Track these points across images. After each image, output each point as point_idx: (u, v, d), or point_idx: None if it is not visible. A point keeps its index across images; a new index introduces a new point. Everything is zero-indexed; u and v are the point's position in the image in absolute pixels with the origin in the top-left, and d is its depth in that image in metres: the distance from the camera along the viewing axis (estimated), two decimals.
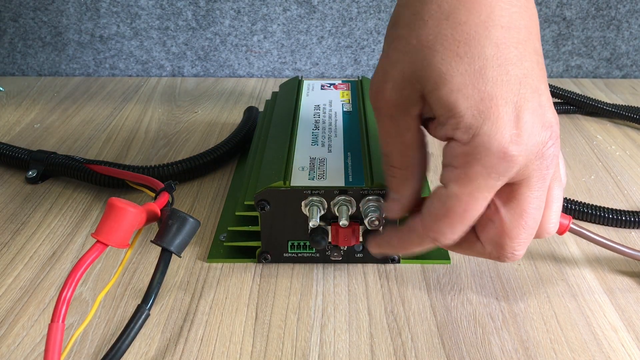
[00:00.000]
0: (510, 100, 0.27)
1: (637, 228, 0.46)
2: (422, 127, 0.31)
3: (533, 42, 0.28)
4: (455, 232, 0.29)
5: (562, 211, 0.47)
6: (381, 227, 0.38)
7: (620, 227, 0.46)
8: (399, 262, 0.42)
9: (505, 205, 0.29)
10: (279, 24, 0.77)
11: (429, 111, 0.29)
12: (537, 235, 0.31)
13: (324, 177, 0.39)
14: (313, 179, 0.39)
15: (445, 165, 0.29)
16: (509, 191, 0.29)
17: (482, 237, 0.31)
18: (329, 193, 0.38)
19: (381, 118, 0.31)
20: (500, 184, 0.28)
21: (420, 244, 0.31)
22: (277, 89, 0.65)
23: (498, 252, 0.31)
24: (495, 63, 0.27)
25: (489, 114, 0.26)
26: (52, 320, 0.27)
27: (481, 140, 0.27)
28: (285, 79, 0.76)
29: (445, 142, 0.29)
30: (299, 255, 0.41)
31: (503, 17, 0.27)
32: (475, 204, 0.28)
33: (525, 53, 0.27)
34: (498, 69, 0.27)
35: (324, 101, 0.51)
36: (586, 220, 0.47)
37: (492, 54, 0.27)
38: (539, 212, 0.30)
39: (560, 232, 0.37)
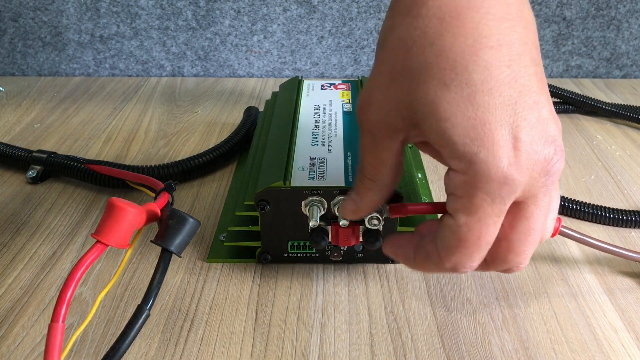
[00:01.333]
0: (505, 123, 0.26)
1: (638, 228, 0.46)
2: (409, 146, 0.31)
3: (529, 52, 0.27)
4: (473, 259, 0.29)
5: (563, 213, 0.47)
6: (381, 226, 0.38)
7: (620, 226, 0.46)
8: (399, 262, 0.42)
9: (512, 224, 0.28)
10: (279, 24, 0.77)
11: (420, 136, 0.29)
12: None
13: (324, 177, 0.39)
14: (313, 179, 0.39)
15: (448, 194, 0.28)
16: (515, 210, 0.28)
17: (488, 256, 0.30)
18: (329, 193, 0.38)
19: (362, 133, 0.31)
20: (507, 206, 0.27)
21: (439, 270, 0.31)
22: (277, 89, 0.65)
23: (503, 268, 0.30)
24: (486, 87, 0.26)
25: (483, 140, 0.26)
26: (52, 320, 0.27)
27: (479, 169, 0.26)
28: (285, 79, 0.76)
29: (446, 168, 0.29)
30: (299, 255, 0.41)
31: (492, 37, 0.26)
32: (487, 229, 0.28)
33: (520, 68, 0.26)
34: (489, 93, 0.26)
35: (324, 101, 0.51)
36: (587, 220, 0.47)
37: (482, 78, 0.26)
38: (544, 225, 0.29)
39: (551, 234, 0.36)
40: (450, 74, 0.26)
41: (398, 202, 0.36)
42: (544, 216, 0.28)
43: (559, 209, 0.47)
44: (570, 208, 0.47)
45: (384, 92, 0.29)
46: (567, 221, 0.47)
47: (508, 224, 0.28)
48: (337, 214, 0.38)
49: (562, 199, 0.47)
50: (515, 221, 0.28)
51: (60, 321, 0.27)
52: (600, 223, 0.47)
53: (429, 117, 0.27)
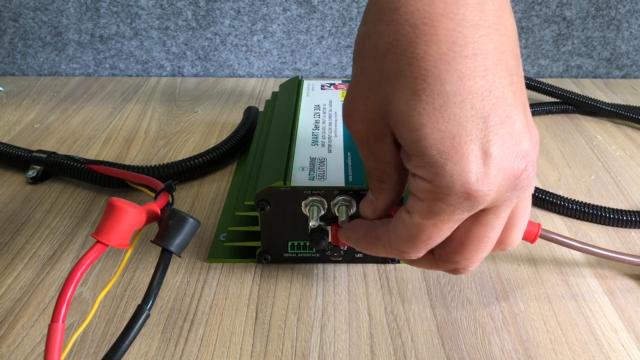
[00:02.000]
0: (475, 137, 0.25)
1: (638, 228, 0.46)
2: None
3: (505, 62, 0.26)
4: (420, 252, 0.29)
5: (563, 212, 0.47)
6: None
7: (620, 227, 0.46)
8: (399, 262, 0.42)
9: (468, 229, 0.28)
10: (279, 24, 0.77)
11: None
12: (499, 250, 0.31)
13: (324, 177, 0.39)
14: (313, 179, 0.39)
15: (410, 193, 0.28)
16: (474, 215, 0.28)
17: (437, 253, 0.30)
18: (329, 193, 0.38)
19: (356, 142, 0.31)
20: (466, 216, 0.27)
21: (385, 254, 0.32)
22: (277, 89, 0.65)
23: (449, 268, 0.31)
24: (458, 99, 0.25)
25: (451, 153, 0.25)
26: (52, 320, 0.27)
27: (444, 181, 0.26)
28: (285, 79, 0.76)
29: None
30: (299, 255, 0.41)
31: (467, 46, 0.25)
32: (439, 233, 0.28)
33: (495, 79, 0.25)
34: (460, 105, 0.25)
35: (324, 101, 0.51)
36: (587, 220, 0.47)
37: (454, 89, 0.25)
38: (499, 234, 0.29)
39: (531, 240, 0.36)
40: (422, 84, 0.25)
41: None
42: (501, 225, 0.28)
43: (560, 209, 0.47)
44: (570, 208, 0.47)
45: (364, 101, 0.28)
46: (567, 221, 0.47)
47: (463, 227, 0.28)
48: (337, 214, 0.38)
49: (562, 199, 0.48)
50: (471, 227, 0.28)
51: (60, 321, 0.27)
52: (600, 223, 0.47)
53: (400, 126, 0.27)
